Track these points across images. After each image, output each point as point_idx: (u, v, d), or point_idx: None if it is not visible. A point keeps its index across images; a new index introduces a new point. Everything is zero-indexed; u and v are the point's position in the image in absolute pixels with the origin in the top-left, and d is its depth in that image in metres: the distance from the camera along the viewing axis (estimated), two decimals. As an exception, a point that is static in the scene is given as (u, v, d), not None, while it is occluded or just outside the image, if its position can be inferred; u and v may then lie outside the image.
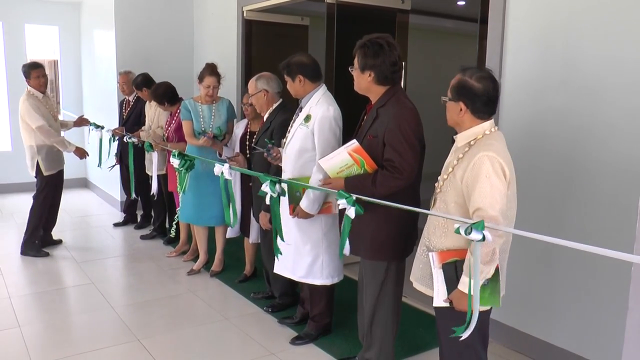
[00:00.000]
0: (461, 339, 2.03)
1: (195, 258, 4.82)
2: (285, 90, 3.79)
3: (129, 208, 6.15)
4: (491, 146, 2.13)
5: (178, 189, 4.29)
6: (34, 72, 4.89)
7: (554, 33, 3.00)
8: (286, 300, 3.90)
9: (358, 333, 3.13)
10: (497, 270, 2.12)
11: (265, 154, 3.31)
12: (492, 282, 2.13)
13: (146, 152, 5.01)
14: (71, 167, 7.94)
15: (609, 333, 2.86)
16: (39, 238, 5.10)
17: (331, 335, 3.47)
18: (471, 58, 3.90)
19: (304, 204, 3.04)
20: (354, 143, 2.57)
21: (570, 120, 2.95)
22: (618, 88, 2.74)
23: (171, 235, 5.11)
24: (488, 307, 2.22)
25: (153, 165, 4.74)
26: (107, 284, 4.42)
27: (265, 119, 3.74)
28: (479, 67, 2.31)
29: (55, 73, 8.17)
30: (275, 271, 3.41)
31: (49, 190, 5.00)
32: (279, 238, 2.78)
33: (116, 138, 5.31)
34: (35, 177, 4.97)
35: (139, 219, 6.08)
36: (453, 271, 2.16)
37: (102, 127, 5.29)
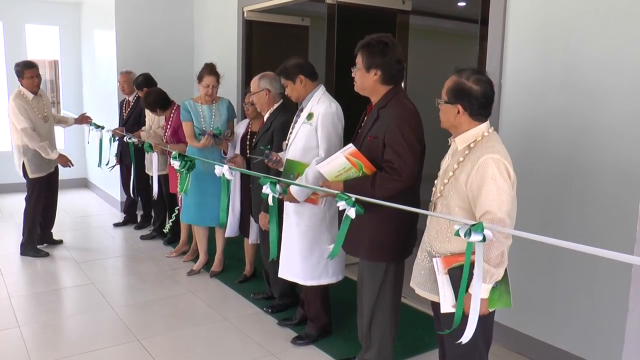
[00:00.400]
0: (462, 342, 2.02)
1: (195, 258, 4.82)
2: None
3: (129, 208, 6.15)
4: (494, 148, 2.12)
5: (179, 190, 4.29)
6: (28, 71, 4.80)
7: (555, 34, 3.00)
8: (286, 301, 3.90)
9: (358, 334, 3.13)
10: (505, 271, 2.13)
11: (265, 160, 3.31)
12: (502, 283, 2.14)
13: (146, 153, 5.00)
14: (71, 167, 8.00)
15: (609, 335, 2.86)
16: (37, 238, 5.10)
17: (331, 336, 3.47)
18: (472, 59, 3.91)
19: (294, 189, 3.05)
20: (350, 147, 2.56)
21: (570, 121, 2.95)
22: (618, 90, 2.74)
23: (164, 230, 5.11)
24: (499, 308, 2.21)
25: (153, 166, 4.74)
26: (106, 284, 4.41)
27: (265, 119, 3.74)
28: (474, 68, 2.29)
29: (56, 73, 8.18)
30: (280, 276, 3.40)
31: (40, 192, 4.95)
32: (277, 239, 2.79)
33: (116, 138, 5.31)
34: (24, 177, 4.92)
35: (139, 219, 6.08)
36: (460, 276, 2.14)
37: (102, 128, 5.29)
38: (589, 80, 2.86)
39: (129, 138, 4.84)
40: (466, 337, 2.01)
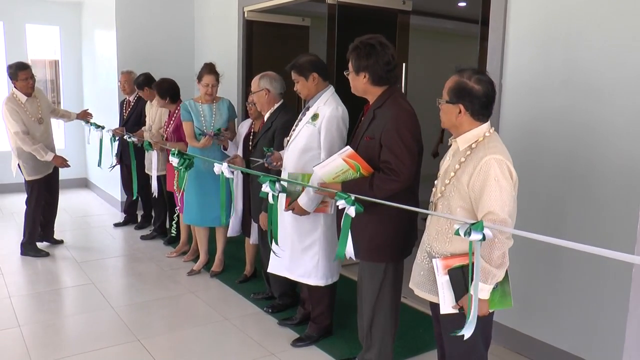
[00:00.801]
0: (465, 338, 2.01)
1: (196, 258, 4.82)
2: (287, 92, 3.80)
3: (129, 208, 6.15)
4: (496, 148, 2.11)
5: (175, 187, 4.29)
6: (22, 73, 4.74)
7: (555, 33, 3.00)
8: (286, 301, 3.90)
9: (358, 334, 3.13)
10: (506, 272, 2.12)
11: (265, 163, 3.30)
12: (502, 284, 2.13)
13: (146, 152, 5.00)
14: (72, 167, 7.99)
15: (610, 335, 2.86)
16: (38, 238, 5.10)
17: (331, 337, 3.47)
18: (472, 59, 3.90)
19: (302, 200, 3.03)
20: (347, 149, 2.56)
21: (571, 120, 2.95)
22: (619, 88, 2.74)
23: (172, 234, 5.11)
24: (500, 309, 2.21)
25: (153, 165, 4.74)
26: (107, 284, 4.42)
27: (266, 119, 3.74)
28: (475, 67, 2.28)
29: (56, 73, 8.18)
30: (269, 270, 3.40)
31: (39, 194, 4.94)
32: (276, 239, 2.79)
33: (116, 138, 5.31)
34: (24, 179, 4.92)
35: (139, 219, 6.08)
36: (460, 276, 2.13)
37: (103, 128, 5.29)
38: (589, 78, 2.86)
39: (129, 137, 4.84)
40: (466, 334, 2.00)
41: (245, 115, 4.37)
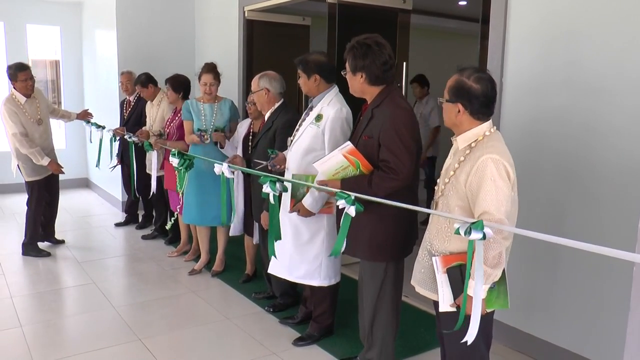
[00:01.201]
0: (468, 343, 2.02)
1: (197, 258, 4.83)
2: (287, 91, 3.80)
3: (130, 208, 6.16)
4: (494, 148, 2.11)
5: (177, 189, 4.30)
6: (22, 74, 4.72)
7: (556, 32, 3.00)
8: (287, 300, 3.91)
9: (359, 333, 3.13)
10: (504, 272, 2.12)
11: (269, 166, 3.29)
12: (500, 284, 2.13)
13: (147, 152, 5.00)
14: (73, 167, 8.02)
15: (611, 333, 2.86)
16: (39, 238, 5.10)
17: (333, 336, 3.47)
18: (473, 58, 3.90)
19: (307, 201, 3.03)
20: (347, 145, 2.56)
21: (572, 119, 2.95)
22: (620, 87, 2.73)
23: (166, 228, 5.10)
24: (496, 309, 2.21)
25: (153, 165, 4.74)
26: (108, 284, 4.42)
27: (266, 119, 3.73)
28: (476, 67, 2.28)
29: (57, 73, 8.18)
30: (269, 271, 3.40)
31: (39, 194, 4.94)
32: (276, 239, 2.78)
33: (117, 138, 5.31)
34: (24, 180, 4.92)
35: (140, 219, 6.09)
36: (458, 275, 2.13)
37: (104, 128, 5.29)
38: (590, 78, 2.86)
39: (130, 137, 4.84)
40: (470, 337, 2.00)
41: (246, 115, 4.37)
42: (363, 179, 2.57)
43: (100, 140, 5.25)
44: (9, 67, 4.82)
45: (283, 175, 3.20)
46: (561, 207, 3.05)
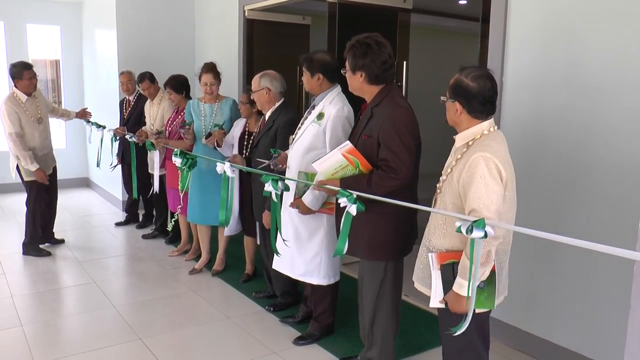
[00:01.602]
0: (456, 334, 2.01)
1: (197, 257, 4.83)
2: (287, 90, 3.80)
3: (130, 207, 6.16)
4: (488, 147, 2.11)
5: (180, 188, 4.30)
6: (27, 72, 4.73)
7: (556, 31, 2.99)
8: (288, 300, 3.91)
9: (360, 332, 3.13)
10: (493, 272, 2.11)
11: (271, 165, 3.29)
12: (488, 284, 2.12)
13: (148, 152, 5.00)
14: (73, 166, 8.03)
15: (611, 332, 2.86)
16: (39, 239, 5.11)
17: (333, 335, 3.47)
18: (473, 57, 3.90)
19: (307, 199, 3.03)
20: (347, 144, 2.56)
21: (572, 118, 2.95)
22: (620, 87, 2.73)
23: (167, 229, 5.11)
24: (483, 310, 2.20)
25: (155, 165, 4.74)
26: (108, 284, 4.42)
27: (267, 119, 3.73)
28: (479, 66, 2.28)
29: (57, 73, 8.18)
30: (273, 267, 3.41)
31: (38, 194, 4.93)
32: (278, 237, 2.78)
33: (117, 138, 5.31)
34: (21, 180, 4.90)
35: (140, 219, 6.09)
36: (450, 273, 2.15)
37: (104, 127, 5.29)
38: (590, 77, 2.86)
39: (131, 137, 4.84)
40: (460, 331, 1.99)
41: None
42: (362, 179, 2.57)
43: (101, 140, 5.24)
44: (14, 66, 4.81)
45: (284, 174, 3.21)
46: (561, 206, 3.05)
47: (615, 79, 2.75)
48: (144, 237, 5.61)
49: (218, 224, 4.45)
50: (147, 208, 5.96)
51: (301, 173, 3.09)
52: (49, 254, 5.02)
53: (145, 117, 5.38)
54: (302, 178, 3.07)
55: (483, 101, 2.15)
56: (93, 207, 7.09)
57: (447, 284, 2.15)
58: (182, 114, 4.78)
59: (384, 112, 2.62)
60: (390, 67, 2.69)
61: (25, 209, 5.01)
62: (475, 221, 1.82)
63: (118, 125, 5.67)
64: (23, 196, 5.09)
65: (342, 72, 2.79)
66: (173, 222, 4.66)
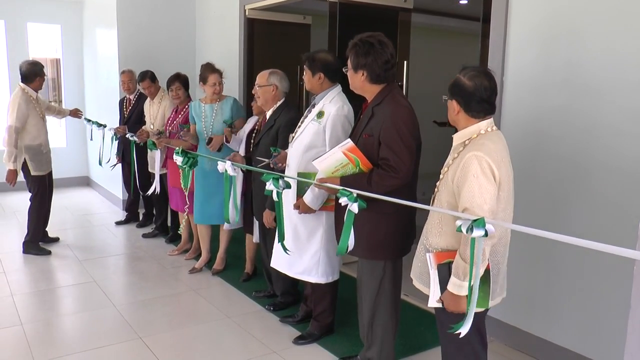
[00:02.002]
0: (458, 332, 2.01)
1: (197, 256, 4.83)
2: (289, 90, 3.80)
3: (131, 206, 6.16)
4: (482, 146, 2.11)
5: (183, 187, 4.30)
6: (43, 71, 4.88)
7: (557, 32, 2.99)
8: (288, 299, 3.91)
9: (359, 332, 3.13)
10: (487, 271, 2.11)
11: (271, 164, 3.30)
12: (482, 284, 2.12)
13: (149, 151, 5.00)
14: (73, 165, 8.03)
15: (610, 332, 2.86)
16: (40, 237, 5.11)
17: (333, 334, 3.47)
18: (474, 57, 3.90)
19: (307, 198, 3.04)
20: (348, 142, 2.56)
21: (572, 119, 2.95)
22: (621, 87, 2.73)
23: (178, 232, 5.12)
24: (479, 309, 2.20)
25: (156, 164, 4.74)
26: (109, 282, 4.42)
27: (268, 117, 3.74)
28: (481, 65, 2.29)
29: (58, 72, 8.19)
30: (271, 265, 3.41)
31: (40, 189, 4.97)
32: (285, 236, 2.77)
33: (117, 137, 5.31)
34: (24, 176, 4.92)
35: (140, 218, 6.09)
36: (446, 272, 2.15)
37: (105, 126, 5.29)
38: (591, 77, 2.86)
39: (132, 136, 4.84)
40: (464, 331, 1.99)
41: (251, 112, 4.37)
42: (362, 177, 2.57)
43: (102, 139, 5.25)
44: (35, 64, 4.92)
45: (284, 173, 3.21)
46: (561, 206, 3.05)
47: (616, 80, 2.75)
48: (144, 236, 5.62)
49: (221, 222, 4.47)
50: (148, 207, 5.96)
51: (300, 174, 3.09)
52: (49, 252, 5.03)
53: (145, 116, 5.38)
54: (304, 178, 3.06)
55: (480, 100, 2.15)
56: (93, 206, 7.09)
57: (444, 283, 2.16)
58: (181, 113, 4.78)
59: (385, 112, 2.62)
60: (392, 67, 2.70)
61: (26, 208, 5.01)
62: (475, 220, 1.82)
63: (118, 124, 5.67)
64: (23, 195, 5.09)
65: (343, 70, 2.79)
66: (183, 223, 4.66)
